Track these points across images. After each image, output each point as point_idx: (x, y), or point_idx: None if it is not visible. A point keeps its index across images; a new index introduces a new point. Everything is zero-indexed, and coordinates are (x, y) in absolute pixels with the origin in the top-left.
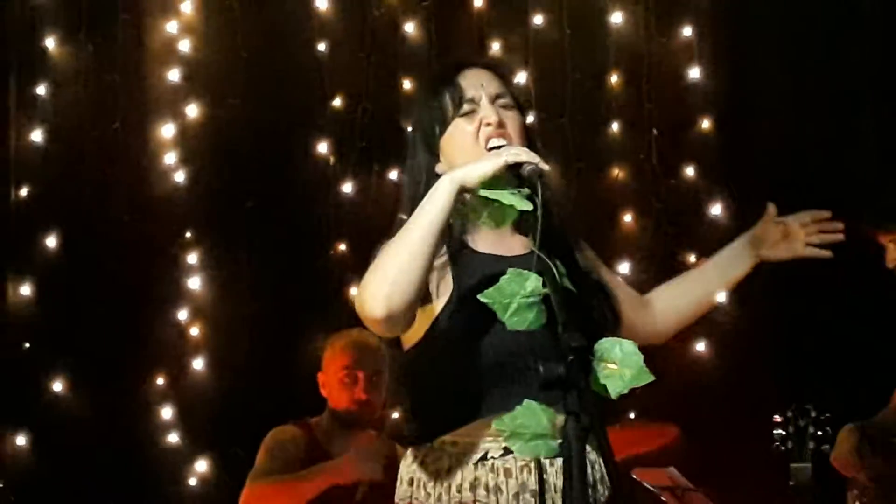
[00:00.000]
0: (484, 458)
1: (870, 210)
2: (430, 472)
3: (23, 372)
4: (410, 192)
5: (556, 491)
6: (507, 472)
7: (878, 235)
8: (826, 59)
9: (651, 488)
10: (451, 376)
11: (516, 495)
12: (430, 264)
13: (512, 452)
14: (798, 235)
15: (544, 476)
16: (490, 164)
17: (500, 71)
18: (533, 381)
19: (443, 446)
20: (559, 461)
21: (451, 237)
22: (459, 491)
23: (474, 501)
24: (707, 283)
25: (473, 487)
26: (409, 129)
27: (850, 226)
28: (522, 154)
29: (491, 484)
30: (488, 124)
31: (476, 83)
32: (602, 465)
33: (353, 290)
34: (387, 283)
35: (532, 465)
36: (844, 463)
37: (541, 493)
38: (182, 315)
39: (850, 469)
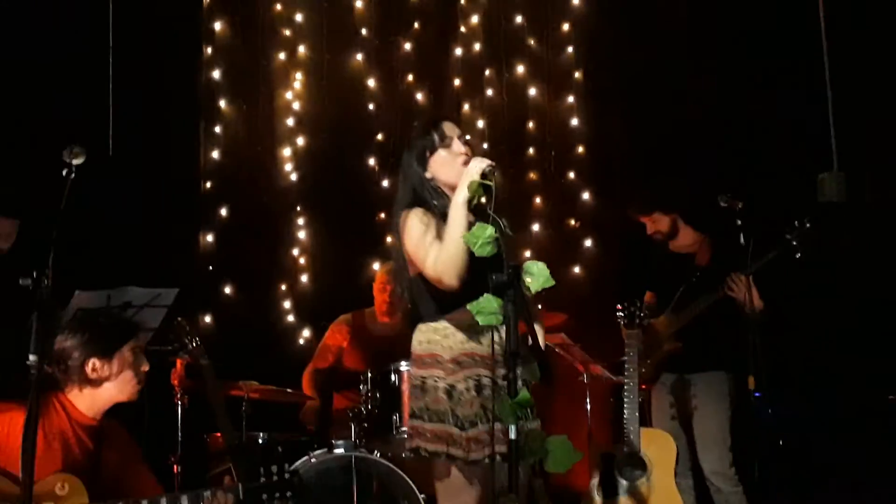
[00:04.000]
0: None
1: (632, 202)
2: (441, 335)
3: (208, 283)
4: (408, 188)
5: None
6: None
7: (638, 218)
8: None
9: (550, 345)
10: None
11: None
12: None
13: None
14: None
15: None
16: (469, 179)
17: (458, 125)
18: (489, 285)
19: (446, 322)
20: (503, 328)
21: (442, 214)
22: (462, 343)
23: (471, 349)
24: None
25: (469, 340)
26: (406, 151)
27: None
28: (483, 163)
29: (473, 337)
30: (461, 153)
31: (451, 128)
32: (529, 330)
33: (426, 260)
34: (455, 268)
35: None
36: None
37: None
38: (295, 251)
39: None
